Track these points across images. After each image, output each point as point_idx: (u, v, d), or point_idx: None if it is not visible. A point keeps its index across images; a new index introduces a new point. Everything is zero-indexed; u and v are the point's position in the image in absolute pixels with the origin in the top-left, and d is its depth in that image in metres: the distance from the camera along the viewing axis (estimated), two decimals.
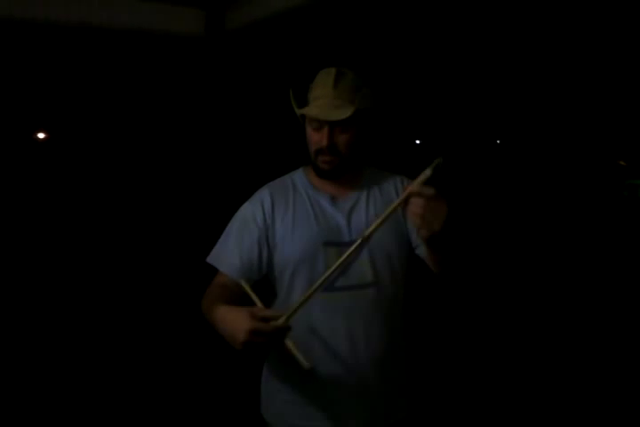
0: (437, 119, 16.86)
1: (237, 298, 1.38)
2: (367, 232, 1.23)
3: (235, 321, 1.14)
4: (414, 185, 1.17)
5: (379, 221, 1.22)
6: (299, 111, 1.43)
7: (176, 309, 4.84)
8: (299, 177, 1.54)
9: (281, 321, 1.12)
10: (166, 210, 9.76)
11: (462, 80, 12.10)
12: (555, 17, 7.15)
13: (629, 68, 10.13)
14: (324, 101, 1.39)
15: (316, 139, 1.41)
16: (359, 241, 1.25)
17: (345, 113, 1.36)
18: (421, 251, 1.48)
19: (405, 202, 1.18)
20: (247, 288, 1.13)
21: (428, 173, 1.20)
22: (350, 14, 6.43)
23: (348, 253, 1.24)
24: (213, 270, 1.50)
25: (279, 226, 1.45)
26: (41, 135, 13.31)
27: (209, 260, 1.50)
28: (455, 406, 3.22)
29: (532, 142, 16.74)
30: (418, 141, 20.48)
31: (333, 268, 1.23)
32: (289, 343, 1.14)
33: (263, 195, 1.50)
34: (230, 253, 1.46)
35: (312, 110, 1.39)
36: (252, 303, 1.22)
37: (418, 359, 1.65)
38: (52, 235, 8.24)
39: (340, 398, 1.43)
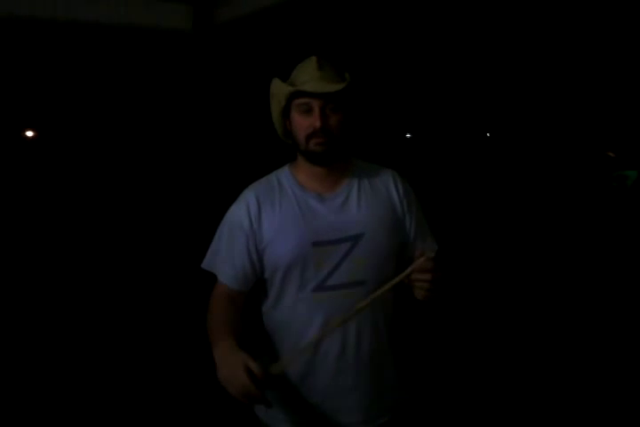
0: (427, 113, 16.87)
1: (239, 305, 1.46)
2: (361, 305, 1.29)
3: (232, 367, 1.22)
4: (417, 264, 1.27)
5: (378, 293, 1.28)
6: (290, 89, 1.39)
7: (173, 308, 4.82)
8: (285, 175, 1.51)
9: (275, 371, 1.23)
10: (156, 206, 9.72)
11: (452, 74, 12.11)
12: (542, 10, 7.17)
13: (617, 61, 10.17)
14: (313, 81, 1.38)
15: (307, 123, 1.39)
16: (352, 313, 1.30)
17: (337, 87, 1.36)
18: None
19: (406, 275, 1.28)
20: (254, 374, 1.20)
21: (430, 255, 1.28)
22: (339, 8, 6.42)
23: (346, 318, 1.30)
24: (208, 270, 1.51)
25: (267, 228, 1.43)
26: (29, 133, 13.21)
27: (204, 266, 1.51)
28: (446, 406, 3.23)
29: (522, 135, 16.79)
30: (408, 135, 20.48)
31: (323, 333, 1.31)
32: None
33: (248, 197, 1.47)
34: (223, 262, 1.46)
35: (305, 87, 1.37)
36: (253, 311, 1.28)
37: (408, 358, 1.65)
38: (42, 233, 8.19)
39: (333, 396, 1.45)
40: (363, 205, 1.47)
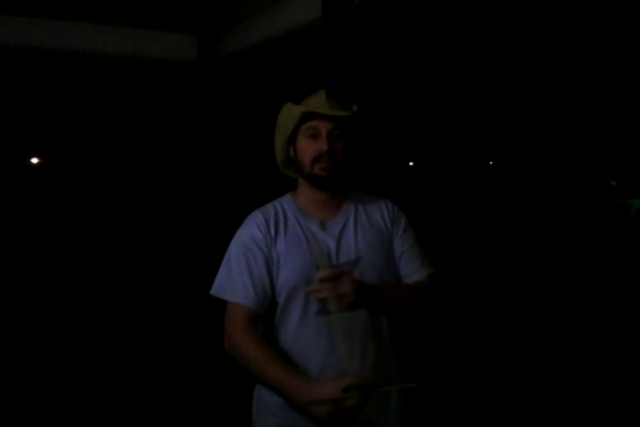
0: (430, 141, 16.99)
1: (260, 327, 1.45)
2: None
3: (318, 393, 1.22)
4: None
5: None
6: (302, 109, 1.44)
7: (171, 320, 4.90)
8: (287, 203, 1.54)
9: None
10: (159, 234, 9.75)
11: (455, 102, 12.23)
12: (543, 36, 7.26)
13: (620, 90, 10.27)
14: (324, 107, 1.44)
15: (313, 147, 1.43)
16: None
17: (347, 112, 1.42)
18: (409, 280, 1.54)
19: None
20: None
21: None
22: (341, 40, 6.51)
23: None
24: (210, 276, 1.51)
25: (275, 250, 1.45)
26: (34, 160, 13.33)
27: (213, 292, 1.48)
28: (448, 420, 3.20)
29: (524, 163, 16.86)
30: (411, 163, 20.58)
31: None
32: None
33: (257, 219, 1.50)
34: (239, 283, 1.44)
35: (318, 109, 1.43)
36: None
37: (412, 372, 1.65)
38: (48, 259, 8.21)
39: (334, 422, 1.42)
40: (359, 231, 1.51)
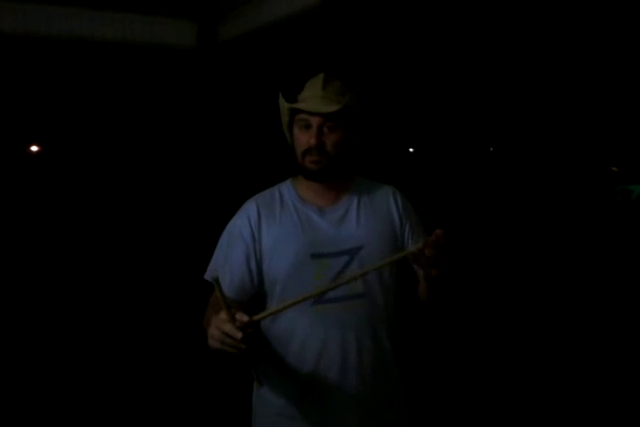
0: (431, 127, 16.92)
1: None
2: (364, 270, 1.30)
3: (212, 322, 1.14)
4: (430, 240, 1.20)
5: (382, 264, 1.26)
6: (288, 105, 1.43)
7: (172, 311, 4.90)
8: (286, 188, 1.53)
9: (244, 318, 1.08)
10: (159, 221, 9.75)
11: (455, 88, 12.18)
12: (545, 27, 7.21)
13: (622, 77, 10.21)
14: (313, 99, 1.41)
15: (304, 139, 1.42)
16: (356, 275, 1.27)
17: (333, 107, 1.38)
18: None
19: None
20: (217, 289, 1.11)
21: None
22: (341, 25, 6.46)
23: (342, 281, 1.25)
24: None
25: (266, 239, 1.44)
26: (34, 148, 13.29)
27: (207, 277, 1.50)
28: (447, 419, 3.21)
29: (525, 149, 16.81)
30: (411, 149, 20.51)
31: (321, 289, 1.22)
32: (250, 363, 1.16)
33: (250, 208, 1.49)
34: (221, 270, 1.46)
35: (301, 104, 1.42)
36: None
37: (409, 371, 1.64)
38: (48, 247, 8.21)
39: (334, 413, 1.43)
40: (362, 219, 1.49)
